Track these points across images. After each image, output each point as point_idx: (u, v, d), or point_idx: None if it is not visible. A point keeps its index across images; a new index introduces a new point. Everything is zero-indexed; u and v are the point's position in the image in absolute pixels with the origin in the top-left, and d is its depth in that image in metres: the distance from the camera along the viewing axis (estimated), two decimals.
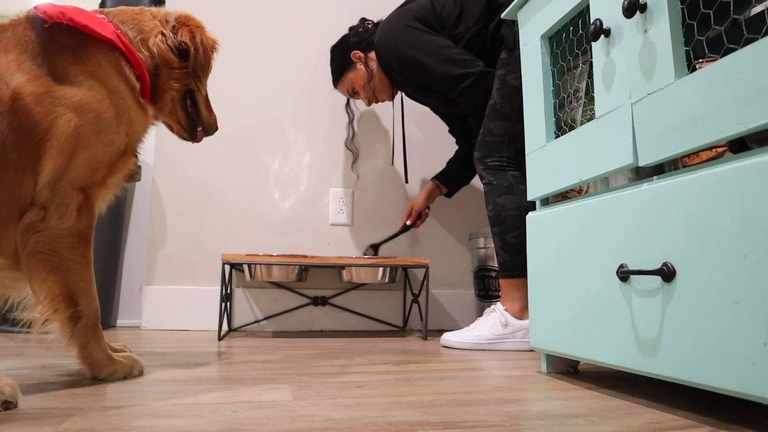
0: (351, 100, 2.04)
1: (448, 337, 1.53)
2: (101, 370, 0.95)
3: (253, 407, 0.78)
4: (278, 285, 1.98)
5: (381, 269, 1.83)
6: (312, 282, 2.00)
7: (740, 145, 0.78)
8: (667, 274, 0.73)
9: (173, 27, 1.09)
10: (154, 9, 1.10)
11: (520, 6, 1.20)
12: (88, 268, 0.94)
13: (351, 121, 2.06)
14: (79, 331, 0.92)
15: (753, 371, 0.62)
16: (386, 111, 2.13)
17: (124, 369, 0.98)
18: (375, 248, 1.99)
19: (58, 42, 0.91)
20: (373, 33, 1.75)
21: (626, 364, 0.83)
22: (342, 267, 1.82)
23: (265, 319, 1.96)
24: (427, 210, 1.97)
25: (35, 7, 0.91)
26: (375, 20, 1.82)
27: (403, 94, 1.88)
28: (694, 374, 0.70)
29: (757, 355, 0.61)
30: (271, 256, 1.70)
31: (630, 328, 0.82)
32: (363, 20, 1.84)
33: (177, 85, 1.10)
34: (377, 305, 2.06)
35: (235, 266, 1.93)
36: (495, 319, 1.49)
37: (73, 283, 0.91)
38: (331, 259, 1.74)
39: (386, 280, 1.87)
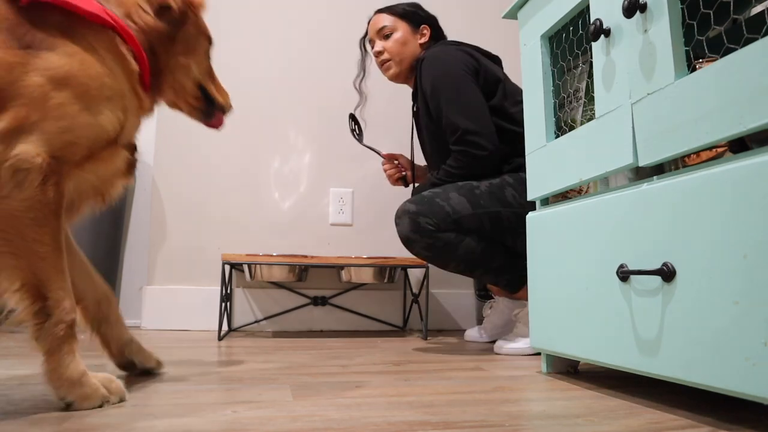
0: (366, 40, 1.84)
1: (504, 344, 1.44)
2: (70, 390, 0.74)
3: (253, 407, 0.78)
4: (278, 285, 1.98)
5: (378, 269, 1.83)
6: (312, 282, 2.00)
7: (740, 145, 0.78)
8: (667, 274, 0.73)
9: None
10: None
11: (520, 6, 1.20)
12: (60, 254, 0.76)
13: (363, 60, 1.84)
14: (46, 333, 0.74)
15: (753, 371, 0.62)
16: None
17: (97, 395, 0.77)
18: (356, 123, 1.86)
19: (43, 20, 0.79)
20: (438, 41, 1.70)
21: (626, 364, 0.83)
22: (342, 267, 1.82)
23: (265, 319, 1.96)
24: (403, 171, 1.83)
25: None
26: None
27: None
28: (694, 374, 0.70)
29: (757, 355, 0.61)
30: (271, 256, 1.71)
31: (630, 328, 0.82)
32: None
33: (183, 59, 1.00)
34: (377, 305, 2.06)
35: (235, 266, 1.93)
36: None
37: (40, 271, 0.74)
38: (331, 259, 1.74)
39: (385, 280, 1.87)
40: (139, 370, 1.02)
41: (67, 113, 0.76)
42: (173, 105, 1.06)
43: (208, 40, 1.08)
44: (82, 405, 0.75)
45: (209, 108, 1.08)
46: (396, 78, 1.71)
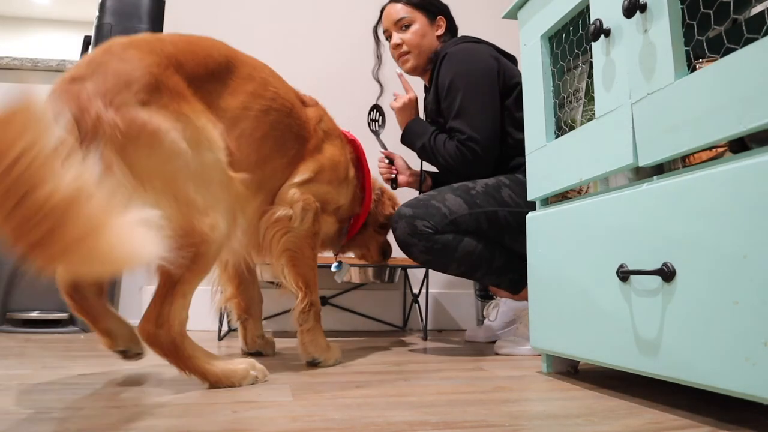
0: (379, 27, 1.76)
1: (505, 345, 1.45)
2: (322, 353, 1.16)
3: (253, 407, 0.78)
4: (278, 285, 1.98)
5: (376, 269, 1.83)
6: None
7: (740, 145, 0.78)
8: (667, 274, 0.73)
9: (378, 196, 1.46)
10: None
11: (520, 6, 1.19)
12: (316, 264, 1.20)
13: (378, 49, 1.80)
14: (311, 317, 1.16)
15: (753, 371, 0.62)
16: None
17: (335, 357, 1.19)
18: (380, 111, 1.80)
19: (340, 136, 1.33)
20: (453, 32, 1.70)
21: (626, 364, 0.83)
22: None
23: (266, 319, 1.96)
24: (393, 173, 1.76)
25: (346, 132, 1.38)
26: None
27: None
28: (694, 374, 0.70)
29: (757, 355, 0.61)
30: None
31: (630, 328, 0.82)
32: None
33: (378, 238, 1.50)
34: (377, 305, 2.06)
35: None
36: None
37: (309, 277, 1.17)
38: (331, 259, 1.74)
39: (385, 280, 1.86)
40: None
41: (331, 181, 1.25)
42: (360, 257, 1.58)
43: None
44: (327, 362, 1.17)
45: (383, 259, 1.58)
46: (413, 71, 1.68)
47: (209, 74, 0.98)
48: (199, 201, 0.86)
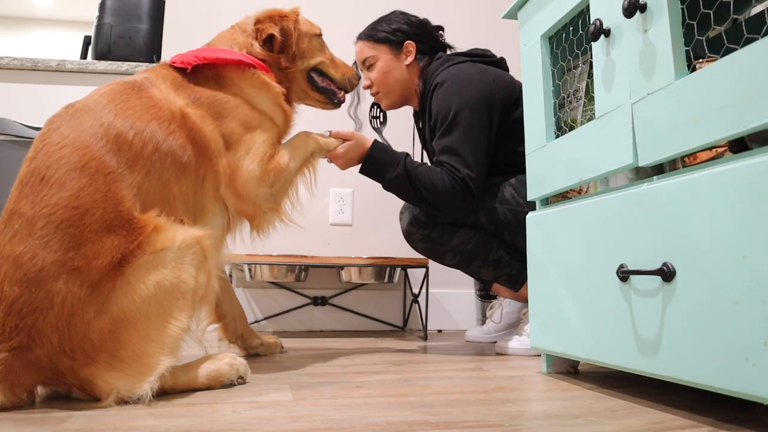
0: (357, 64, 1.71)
1: (506, 344, 1.43)
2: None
3: (253, 407, 0.78)
4: (278, 285, 1.98)
5: (377, 269, 1.83)
6: (312, 282, 2.00)
7: (740, 145, 0.78)
8: (667, 274, 0.73)
9: (255, 30, 1.19)
10: (239, 22, 1.22)
11: (520, 6, 1.19)
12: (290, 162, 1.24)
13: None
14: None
15: (753, 371, 0.62)
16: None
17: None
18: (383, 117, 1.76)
19: (202, 75, 1.05)
20: (440, 49, 1.61)
21: (626, 364, 0.83)
22: (342, 267, 1.82)
23: (265, 319, 1.96)
24: None
25: (171, 61, 1.06)
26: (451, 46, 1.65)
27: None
28: (694, 374, 0.70)
29: (757, 355, 0.61)
30: (271, 256, 1.70)
31: (630, 328, 0.82)
32: (439, 28, 1.67)
33: (291, 71, 1.22)
34: (377, 305, 2.06)
35: (235, 266, 1.93)
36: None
37: (298, 152, 1.28)
38: (331, 259, 1.74)
39: (385, 280, 1.87)
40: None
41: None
42: (306, 104, 1.34)
43: (317, 35, 1.30)
44: None
45: (334, 98, 1.33)
46: (391, 107, 1.64)
47: None
48: None
